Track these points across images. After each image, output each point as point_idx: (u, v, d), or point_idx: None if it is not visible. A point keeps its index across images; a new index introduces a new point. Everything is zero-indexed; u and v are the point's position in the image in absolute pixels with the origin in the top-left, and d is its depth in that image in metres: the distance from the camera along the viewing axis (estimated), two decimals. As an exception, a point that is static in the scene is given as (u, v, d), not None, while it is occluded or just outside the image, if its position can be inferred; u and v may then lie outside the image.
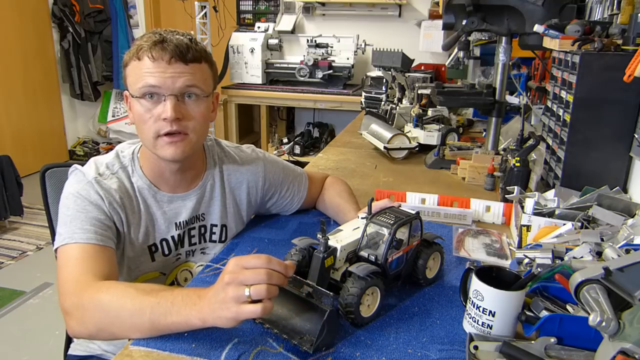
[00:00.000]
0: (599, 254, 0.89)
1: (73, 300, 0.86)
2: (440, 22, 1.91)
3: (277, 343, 0.81)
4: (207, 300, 0.77)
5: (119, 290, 0.84)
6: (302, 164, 1.72)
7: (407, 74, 2.40)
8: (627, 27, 1.25)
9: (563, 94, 1.42)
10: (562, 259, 0.88)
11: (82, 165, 1.07)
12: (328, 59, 4.08)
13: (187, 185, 1.14)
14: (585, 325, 0.68)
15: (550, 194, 1.24)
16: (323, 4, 4.38)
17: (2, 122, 4.40)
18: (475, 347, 0.77)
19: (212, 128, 4.43)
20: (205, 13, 4.25)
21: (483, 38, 2.52)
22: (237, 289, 0.73)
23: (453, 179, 1.75)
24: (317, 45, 4.14)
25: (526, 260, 0.91)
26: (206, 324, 0.77)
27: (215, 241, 1.20)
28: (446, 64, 3.14)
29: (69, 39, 4.81)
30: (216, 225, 1.19)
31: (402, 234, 0.92)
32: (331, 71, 4.04)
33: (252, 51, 4.10)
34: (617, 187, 1.24)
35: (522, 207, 1.17)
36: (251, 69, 4.15)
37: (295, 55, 4.30)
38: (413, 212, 0.96)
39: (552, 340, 0.77)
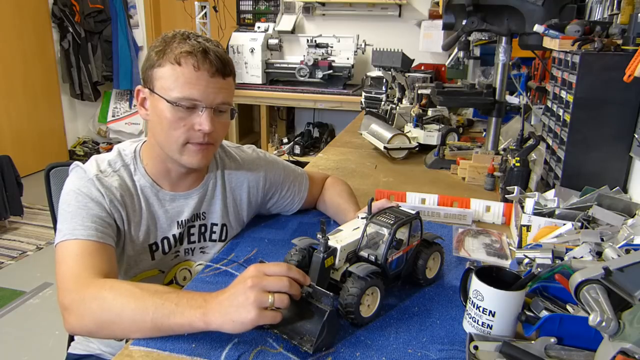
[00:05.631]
0: (599, 254, 0.89)
1: (73, 296, 0.86)
2: (440, 22, 1.91)
3: (277, 343, 0.81)
4: (217, 304, 0.77)
5: (124, 288, 0.84)
6: (302, 164, 1.72)
7: (407, 74, 2.40)
8: (627, 27, 1.25)
9: (563, 94, 1.42)
10: (562, 259, 0.88)
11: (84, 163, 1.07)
12: (328, 59, 4.08)
13: (190, 184, 1.15)
14: (585, 325, 0.68)
15: (550, 194, 1.24)
16: (323, 4, 4.38)
17: (2, 122, 4.40)
18: (475, 347, 0.77)
19: (212, 128, 4.42)
20: (205, 13, 4.25)
21: (483, 38, 2.52)
22: (260, 294, 0.76)
23: (453, 179, 1.75)
24: (317, 45, 4.14)
25: (526, 260, 0.91)
26: (209, 327, 0.77)
27: (215, 240, 1.20)
28: (446, 64, 3.14)
29: (69, 39, 4.81)
30: (216, 224, 1.19)
31: (402, 234, 0.92)
32: (331, 71, 4.03)
33: (252, 51, 4.10)
34: (617, 187, 1.24)
35: (522, 207, 1.17)
36: (251, 69, 4.15)
37: (295, 55, 4.30)
38: (413, 212, 0.96)
39: (552, 340, 0.77)
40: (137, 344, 0.80)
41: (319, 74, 4.04)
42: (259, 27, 4.22)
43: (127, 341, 0.83)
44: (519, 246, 1.13)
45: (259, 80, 4.16)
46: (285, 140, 4.52)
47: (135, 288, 0.83)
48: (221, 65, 0.99)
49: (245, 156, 1.25)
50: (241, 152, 1.25)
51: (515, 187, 1.28)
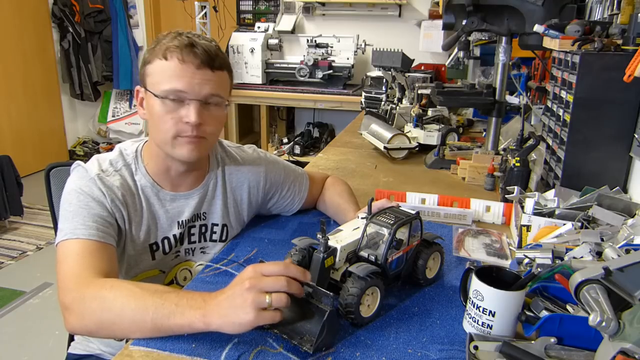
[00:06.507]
0: (599, 254, 0.89)
1: (74, 296, 0.86)
2: (440, 22, 1.92)
3: (277, 343, 0.81)
4: (215, 305, 0.77)
5: (124, 288, 0.84)
6: (302, 164, 1.72)
7: (407, 74, 2.40)
8: (627, 27, 1.25)
9: (563, 94, 1.42)
10: (562, 259, 0.88)
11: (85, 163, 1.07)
12: (328, 59, 4.08)
13: (190, 184, 1.15)
14: (585, 325, 0.68)
15: (550, 194, 1.24)
16: (323, 4, 4.38)
17: (2, 122, 4.40)
18: (475, 347, 0.77)
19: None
20: (205, 13, 4.25)
21: (483, 38, 2.52)
22: (258, 295, 0.75)
23: (453, 179, 1.75)
24: (317, 45, 4.13)
25: (526, 260, 0.91)
26: (209, 328, 0.77)
27: (215, 240, 1.20)
28: (446, 64, 3.14)
29: (69, 39, 4.81)
30: (217, 225, 1.19)
31: (402, 234, 0.92)
32: (331, 71, 4.03)
33: (252, 51, 4.10)
34: (617, 187, 1.24)
35: (522, 207, 1.17)
36: (251, 69, 4.15)
37: (295, 55, 4.30)
38: (413, 212, 0.96)
39: (552, 340, 0.77)
40: (137, 344, 0.80)
41: (319, 74, 4.04)
42: (259, 27, 4.22)
43: (127, 341, 0.83)
44: (519, 246, 1.13)
45: (259, 80, 4.16)
46: (285, 140, 4.52)
47: (136, 288, 0.83)
48: (208, 57, 0.99)
49: (245, 156, 1.25)
50: (242, 152, 1.25)
51: (515, 187, 1.28)
